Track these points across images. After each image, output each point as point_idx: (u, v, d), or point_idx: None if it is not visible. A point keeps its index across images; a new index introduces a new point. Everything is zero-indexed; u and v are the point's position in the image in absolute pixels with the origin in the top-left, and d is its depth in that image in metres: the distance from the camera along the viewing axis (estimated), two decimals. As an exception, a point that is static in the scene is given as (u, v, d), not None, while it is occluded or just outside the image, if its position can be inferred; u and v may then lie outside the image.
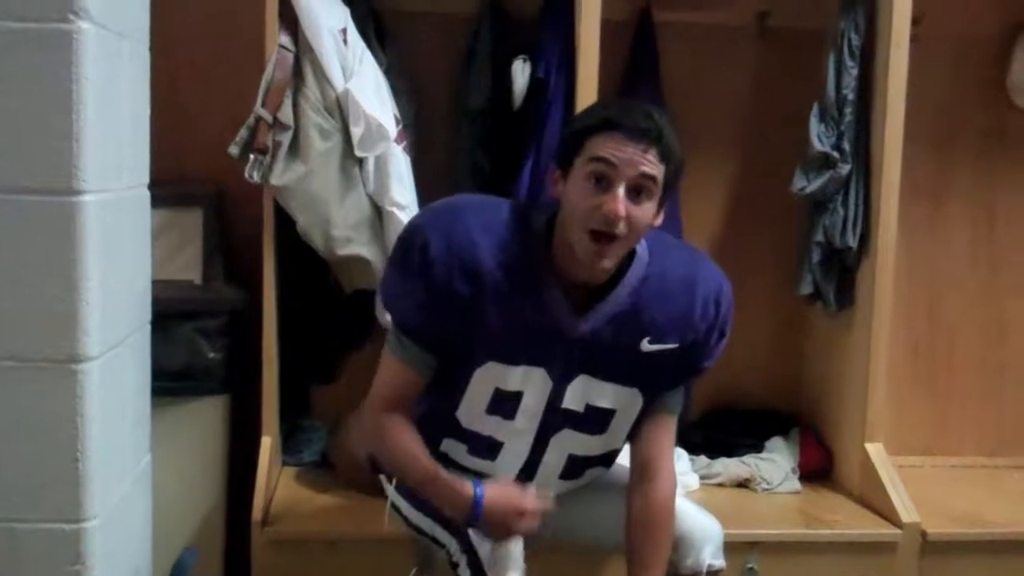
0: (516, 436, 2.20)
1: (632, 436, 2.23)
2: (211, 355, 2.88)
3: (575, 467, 2.26)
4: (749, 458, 3.15)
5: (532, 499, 2.09)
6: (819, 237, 3.05)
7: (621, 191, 1.93)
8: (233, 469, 2.97)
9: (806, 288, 3.13)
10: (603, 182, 1.94)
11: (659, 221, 2.04)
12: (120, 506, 2.02)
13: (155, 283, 2.30)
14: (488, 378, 2.13)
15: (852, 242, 2.99)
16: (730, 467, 3.12)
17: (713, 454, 3.18)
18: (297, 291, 2.95)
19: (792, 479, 3.11)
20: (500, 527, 2.09)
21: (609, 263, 2.00)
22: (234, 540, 2.88)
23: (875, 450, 2.98)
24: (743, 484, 3.11)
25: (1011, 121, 3.37)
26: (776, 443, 3.22)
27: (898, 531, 2.81)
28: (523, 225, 2.08)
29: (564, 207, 2.02)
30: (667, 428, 2.24)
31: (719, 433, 3.26)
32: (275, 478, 2.91)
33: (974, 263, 3.43)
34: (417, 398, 2.15)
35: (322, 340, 3.10)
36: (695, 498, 2.93)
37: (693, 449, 3.19)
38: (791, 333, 3.40)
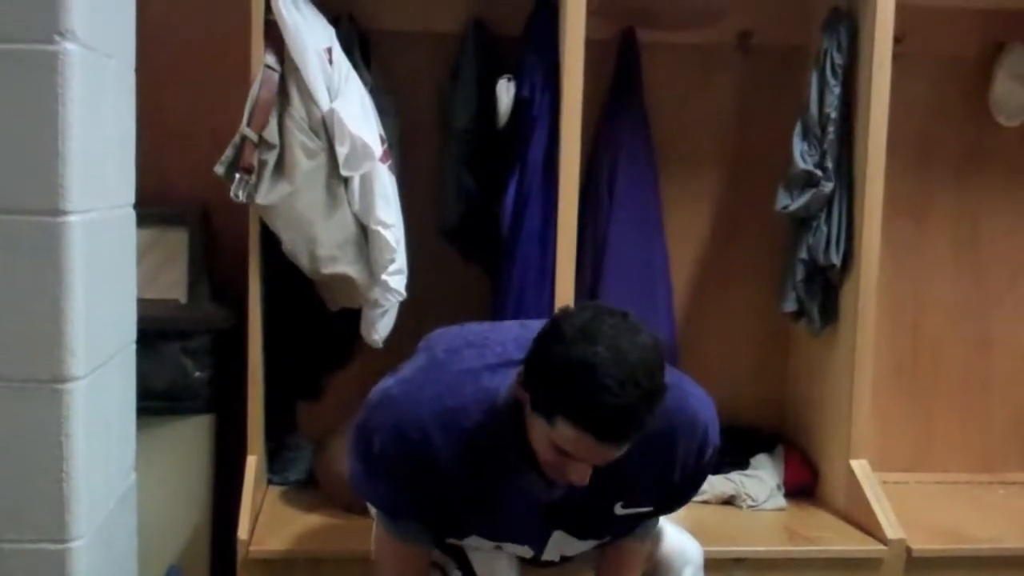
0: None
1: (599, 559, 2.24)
2: (196, 374, 2.88)
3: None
4: (734, 475, 3.15)
5: None
6: (803, 254, 3.06)
7: (586, 468, 1.84)
8: (219, 488, 2.97)
9: (790, 305, 3.14)
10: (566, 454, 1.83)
11: None
12: (105, 526, 2.02)
13: (140, 302, 2.30)
14: (470, 543, 2.16)
15: (836, 259, 3.00)
16: (715, 484, 3.11)
17: (699, 471, 3.19)
18: (282, 310, 2.95)
19: (777, 496, 3.12)
20: None
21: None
22: (220, 559, 2.87)
23: (860, 466, 2.98)
24: (728, 501, 3.11)
25: (993, 138, 3.39)
26: (761, 460, 3.22)
27: (883, 547, 2.81)
28: (487, 412, 1.95)
29: (528, 424, 1.88)
30: (634, 560, 2.23)
31: (704, 450, 3.27)
32: (261, 497, 2.90)
33: (957, 279, 3.45)
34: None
35: (308, 358, 3.10)
36: (680, 515, 2.95)
37: (679, 466, 3.19)
38: (775, 350, 3.41)
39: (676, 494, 2.13)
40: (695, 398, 2.09)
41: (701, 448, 2.06)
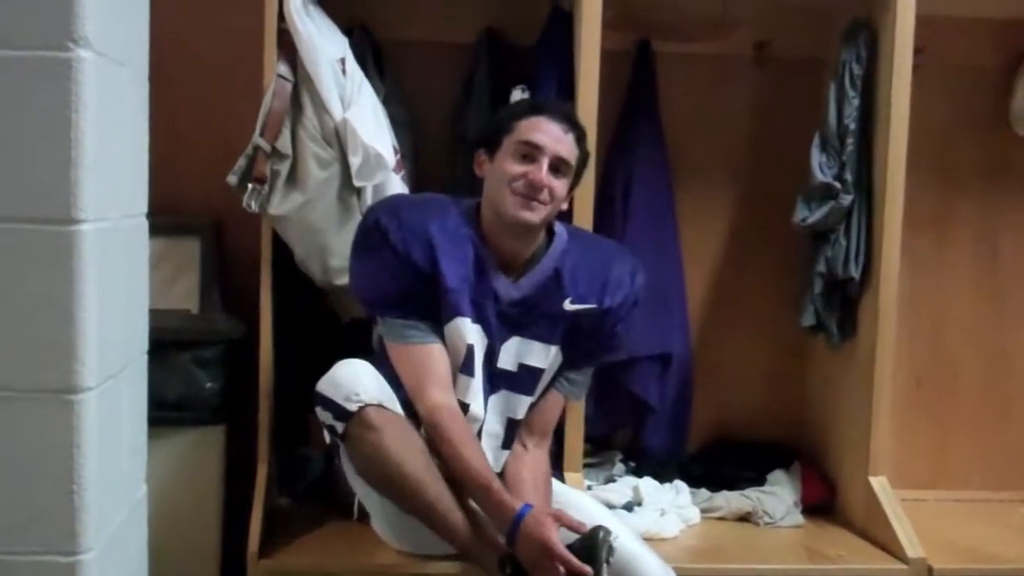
0: (475, 395, 2.46)
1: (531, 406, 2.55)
2: (208, 385, 2.87)
3: (509, 434, 2.54)
4: (751, 491, 3.12)
5: (561, 548, 2.17)
6: (821, 268, 3.03)
7: (545, 164, 2.36)
8: (229, 499, 2.95)
9: (808, 319, 3.11)
10: (528, 158, 2.37)
11: (564, 206, 2.51)
12: (116, 538, 2.00)
13: (152, 312, 2.28)
14: (454, 333, 2.43)
15: (854, 273, 2.98)
16: (732, 501, 3.09)
17: (714, 487, 3.15)
18: (294, 320, 2.93)
19: (794, 513, 3.08)
20: (529, 557, 2.22)
21: (534, 216, 2.38)
22: (230, 571, 2.85)
23: (879, 483, 2.94)
24: (745, 518, 3.07)
25: (1013, 151, 3.37)
26: (778, 476, 3.19)
27: (903, 566, 2.77)
28: (454, 205, 2.49)
29: (490, 181, 2.44)
30: (559, 406, 2.59)
31: (720, 466, 3.23)
32: (271, 508, 2.88)
33: (977, 294, 3.42)
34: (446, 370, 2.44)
35: (319, 369, 3.07)
36: (696, 531, 2.93)
37: (694, 482, 3.16)
38: (793, 365, 3.38)
39: (612, 305, 2.50)
40: (627, 253, 2.65)
41: (633, 273, 2.54)
